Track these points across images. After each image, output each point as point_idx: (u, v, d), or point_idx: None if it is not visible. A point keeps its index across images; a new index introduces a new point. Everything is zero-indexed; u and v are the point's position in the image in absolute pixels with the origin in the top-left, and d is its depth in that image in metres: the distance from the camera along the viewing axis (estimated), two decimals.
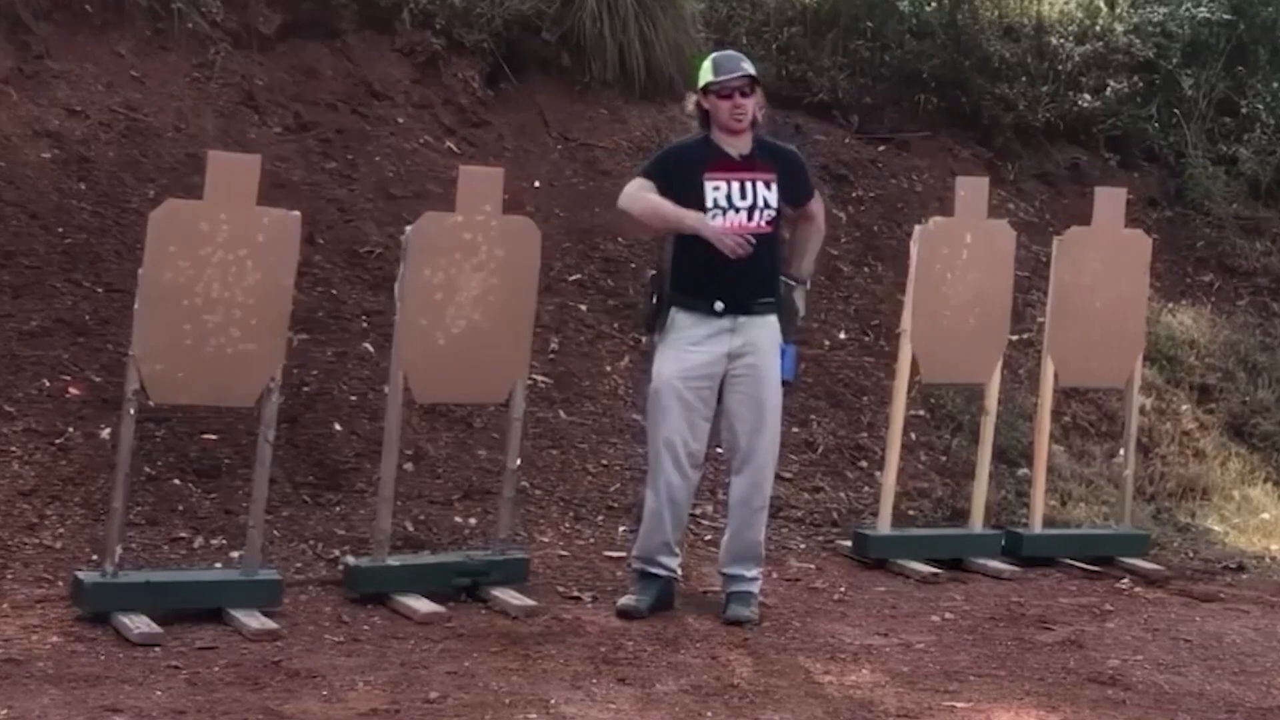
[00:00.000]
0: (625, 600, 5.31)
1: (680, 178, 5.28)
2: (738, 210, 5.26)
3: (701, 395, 5.28)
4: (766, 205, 5.30)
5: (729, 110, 5.27)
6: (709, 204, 5.25)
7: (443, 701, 4.34)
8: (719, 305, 5.25)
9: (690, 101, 5.40)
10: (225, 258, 4.96)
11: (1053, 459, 6.84)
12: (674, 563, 5.40)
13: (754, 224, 5.28)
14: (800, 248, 5.52)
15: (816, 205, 5.55)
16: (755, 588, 5.40)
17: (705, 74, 5.32)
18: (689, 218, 5.22)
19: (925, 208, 7.82)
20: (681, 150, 5.48)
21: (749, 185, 5.29)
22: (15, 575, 5.07)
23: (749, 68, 5.32)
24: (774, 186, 5.31)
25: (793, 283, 5.42)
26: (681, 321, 5.28)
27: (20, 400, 5.70)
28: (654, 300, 5.36)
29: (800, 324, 5.57)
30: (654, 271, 5.45)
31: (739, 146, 5.32)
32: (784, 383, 5.37)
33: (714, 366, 5.27)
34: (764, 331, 5.32)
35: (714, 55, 5.44)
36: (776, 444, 5.42)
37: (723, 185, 5.26)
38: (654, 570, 5.36)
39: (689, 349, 5.26)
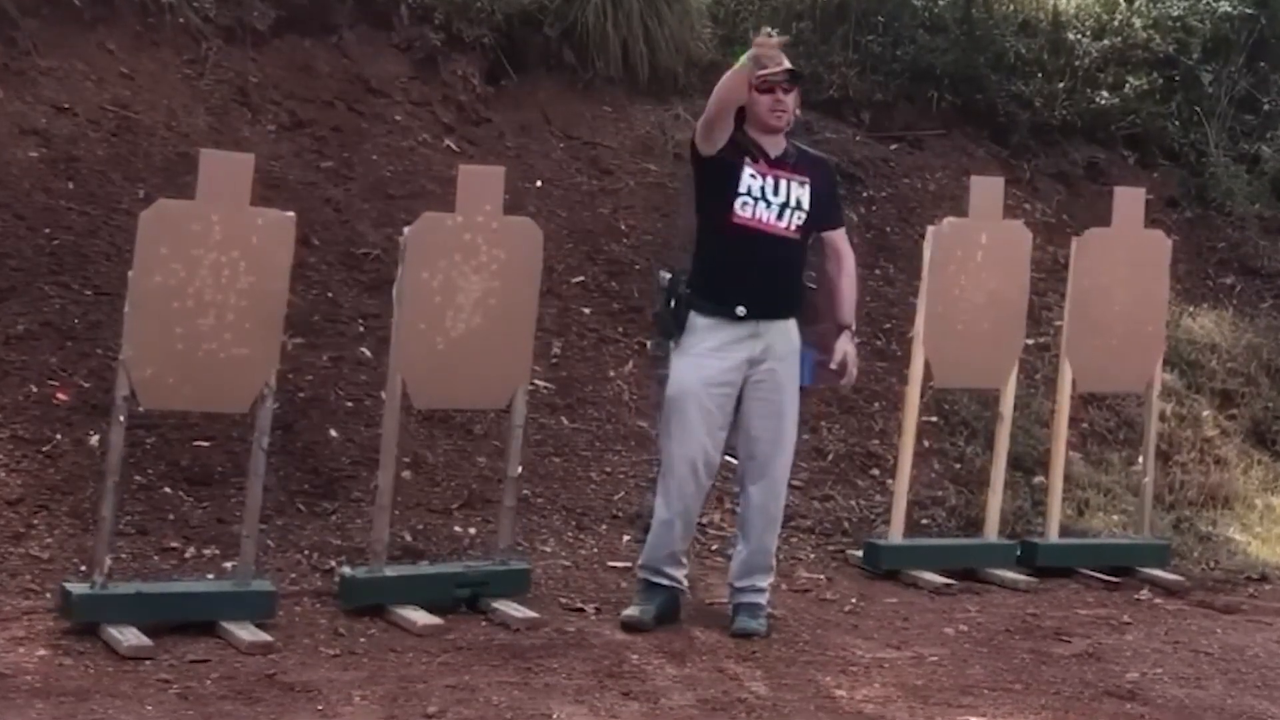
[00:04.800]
0: (629, 612, 5.26)
1: (725, 153, 5.14)
2: (769, 205, 5.17)
3: (721, 403, 5.21)
4: (799, 206, 5.20)
5: (769, 105, 5.16)
6: (742, 189, 5.15)
7: (441, 716, 4.33)
8: (741, 310, 5.15)
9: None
10: (218, 259, 4.92)
11: (1070, 466, 6.81)
12: (680, 573, 5.36)
13: (784, 224, 5.20)
14: (839, 295, 5.33)
15: (844, 241, 5.39)
16: (764, 599, 5.36)
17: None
18: (738, 71, 4.97)
19: (938, 208, 7.81)
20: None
21: (784, 183, 5.19)
22: (1, 586, 5.03)
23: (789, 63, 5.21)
24: (808, 188, 5.22)
25: (813, 285, 5.33)
26: (701, 326, 5.18)
27: (7, 406, 5.65)
28: (671, 304, 5.24)
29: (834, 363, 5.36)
30: (669, 275, 5.34)
31: (773, 147, 5.23)
32: (800, 389, 5.31)
33: (735, 373, 5.19)
34: (785, 337, 5.25)
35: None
36: (792, 453, 5.37)
37: (759, 177, 5.17)
38: (659, 581, 5.32)
39: (710, 355, 5.17)
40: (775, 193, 5.16)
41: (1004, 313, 6.25)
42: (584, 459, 6.37)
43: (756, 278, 5.14)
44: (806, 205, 5.20)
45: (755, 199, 5.15)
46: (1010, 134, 8.78)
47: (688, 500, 5.24)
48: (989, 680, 4.93)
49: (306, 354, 6.21)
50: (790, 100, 5.19)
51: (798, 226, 5.20)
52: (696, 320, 5.18)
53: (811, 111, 8.43)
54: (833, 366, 5.25)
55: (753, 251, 5.14)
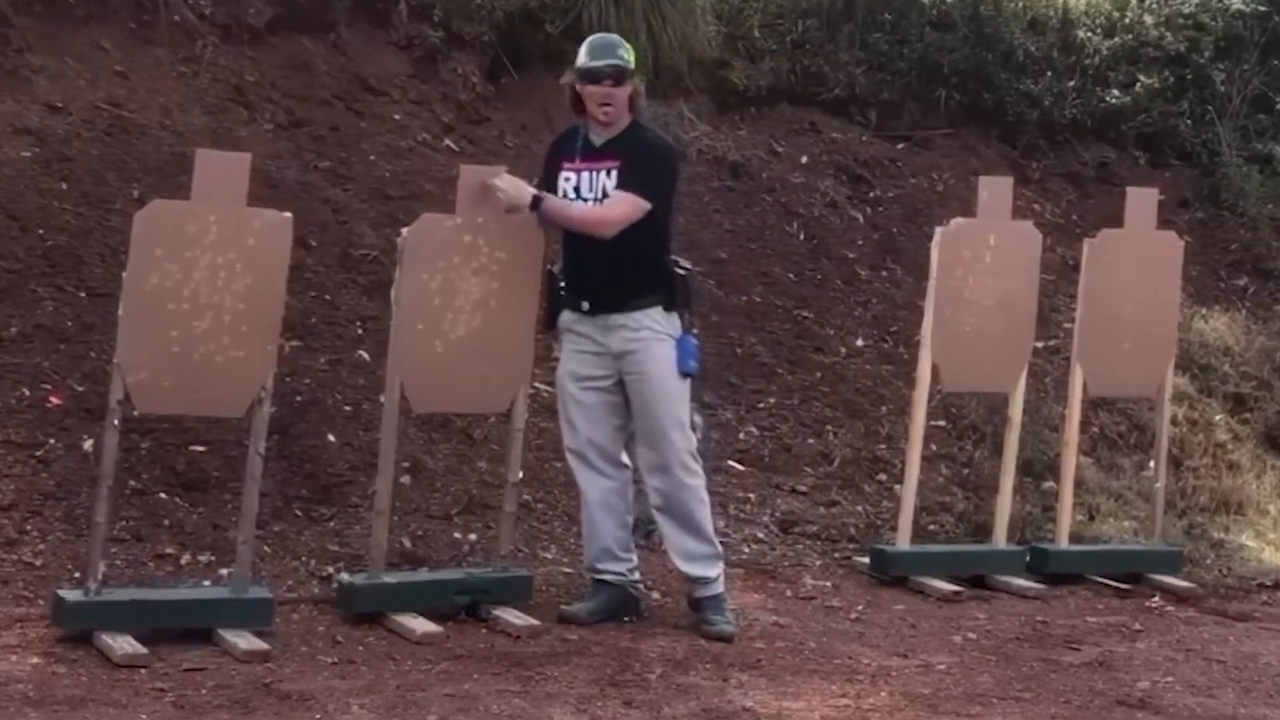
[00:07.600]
0: (566, 606, 5.33)
1: (548, 170, 5.36)
2: (585, 202, 5.23)
3: (598, 397, 5.29)
4: (607, 196, 5.20)
5: (598, 99, 5.20)
6: (560, 195, 5.25)
7: None
8: (585, 305, 5.25)
9: (564, 81, 5.33)
10: (214, 261, 4.89)
11: (1080, 472, 6.77)
12: (623, 566, 5.41)
13: None
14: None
15: (621, 195, 5.18)
16: (720, 588, 5.36)
17: (580, 57, 5.25)
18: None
19: (946, 208, 7.79)
20: (556, 141, 5.50)
21: (594, 176, 5.23)
22: None
23: (625, 56, 5.20)
24: (615, 174, 5.20)
25: (685, 270, 5.32)
26: (566, 322, 5.33)
27: None
28: (550, 301, 5.37)
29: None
30: (550, 268, 5.40)
31: (603, 135, 5.26)
32: (685, 375, 5.26)
33: (600, 365, 5.28)
34: (644, 326, 5.22)
35: (591, 38, 5.36)
36: (684, 436, 5.29)
37: (573, 176, 5.27)
38: (599, 577, 5.38)
39: (572, 351, 5.32)
40: (589, 189, 5.22)
41: (1013, 315, 6.23)
42: None
43: (592, 273, 5.22)
44: (613, 192, 5.19)
45: (572, 200, 5.22)
46: (1019, 133, 8.79)
47: (601, 492, 5.30)
48: (998, 689, 4.90)
49: (304, 357, 6.17)
50: (620, 93, 5.16)
51: None
52: (564, 315, 5.32)
53: (818, 110, 8.46)
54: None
55: (582, 249, 5.22)
